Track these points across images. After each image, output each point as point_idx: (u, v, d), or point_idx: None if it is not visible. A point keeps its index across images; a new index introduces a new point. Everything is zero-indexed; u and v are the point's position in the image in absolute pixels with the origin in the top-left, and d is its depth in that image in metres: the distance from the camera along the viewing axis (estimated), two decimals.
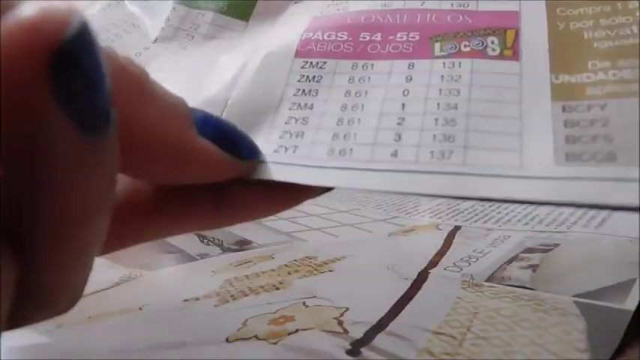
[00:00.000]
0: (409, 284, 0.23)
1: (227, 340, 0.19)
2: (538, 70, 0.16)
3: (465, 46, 0.17)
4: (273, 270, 0.25)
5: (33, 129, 0.09)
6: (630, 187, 0.13)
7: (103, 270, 0.25)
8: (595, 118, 0.14)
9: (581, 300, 0.20)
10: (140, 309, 0.22)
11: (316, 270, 0.25)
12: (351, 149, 0.15)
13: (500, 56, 0.17)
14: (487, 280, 0.23)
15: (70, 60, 0.09)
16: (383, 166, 0.15)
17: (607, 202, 0.13)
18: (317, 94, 0.17)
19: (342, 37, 0.19)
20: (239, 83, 0.18)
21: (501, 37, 0.17)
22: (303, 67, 0.18)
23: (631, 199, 0.13)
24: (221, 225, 0.16)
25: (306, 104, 0.17)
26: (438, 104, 0.16)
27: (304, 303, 0.22)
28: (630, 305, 0.19)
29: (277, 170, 0.15)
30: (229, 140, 0.14)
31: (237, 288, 0.23)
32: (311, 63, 0.18)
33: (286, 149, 0.16)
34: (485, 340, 0.18)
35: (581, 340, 0.17)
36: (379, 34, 0.18)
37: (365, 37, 0.18)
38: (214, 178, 0.14)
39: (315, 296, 0.22)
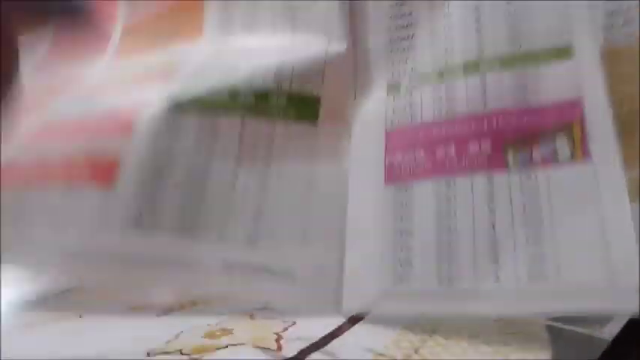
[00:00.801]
0: None
1: (148, 354, 0.17)
2: (611, 167, 0.16)
3: (536, 154, 0.18)
4: None
5: None
6: None
7: None
8: None
9: (554, 324, 0.17)
10: (80, 317, 0.21)
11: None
12: (457, 277, 0.17)
13: (572, 161, 0.17)
14: None
15: None
16: (488, 294, 0.16)
17: None
18: (412, 220, 0.18)
19: (419, 155, 0.20)
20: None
21: (569, 135, 0.17)
22: (393, 195, 0.19)
23: None
24: None
25: (405, 230, 0.18)
26: (525, 220, 0.17)
27: (251, 315, 0.20)
28: (607, 335, 0.16)
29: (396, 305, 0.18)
30: None
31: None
32: (398, 189, 0.19)
33: (402, 280, 0.18)
34: None
35: None
36: (453, 146, 0.19)
37: (441, 152, 0.19)
38: None
39: (265, 308, 0.21)
